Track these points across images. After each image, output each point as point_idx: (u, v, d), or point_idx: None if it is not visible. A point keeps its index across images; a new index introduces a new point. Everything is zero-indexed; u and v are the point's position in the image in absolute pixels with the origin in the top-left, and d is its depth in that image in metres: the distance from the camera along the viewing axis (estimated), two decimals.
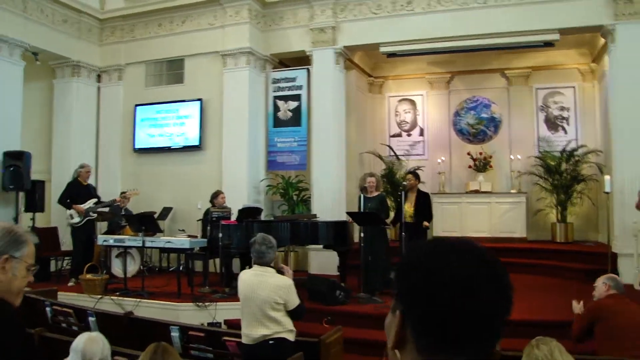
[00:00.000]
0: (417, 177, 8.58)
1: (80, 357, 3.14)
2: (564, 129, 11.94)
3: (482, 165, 12.05)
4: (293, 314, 4.44)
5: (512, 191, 11.69)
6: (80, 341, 3.21)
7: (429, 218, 8.14)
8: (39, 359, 4.52)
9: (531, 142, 12.03)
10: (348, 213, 8.18)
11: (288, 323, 4.41)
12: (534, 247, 10.58)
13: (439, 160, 12.29)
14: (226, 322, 7.13)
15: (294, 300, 4.41)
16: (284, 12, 10.79)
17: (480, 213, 11.51)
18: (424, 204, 8.04)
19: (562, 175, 11.15)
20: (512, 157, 11.92)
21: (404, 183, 8.08)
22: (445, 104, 12.80)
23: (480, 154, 12.12)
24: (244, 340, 4.46)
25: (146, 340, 5.27)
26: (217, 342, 4.88)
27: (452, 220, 11.61)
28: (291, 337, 4.44)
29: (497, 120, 12.38)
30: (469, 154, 12.22)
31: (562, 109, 11.96)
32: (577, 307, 4.71)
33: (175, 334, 5.09)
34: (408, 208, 7.84)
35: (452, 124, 12.70)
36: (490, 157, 12.08)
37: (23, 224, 9.78)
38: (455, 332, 0.96)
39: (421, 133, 12.95)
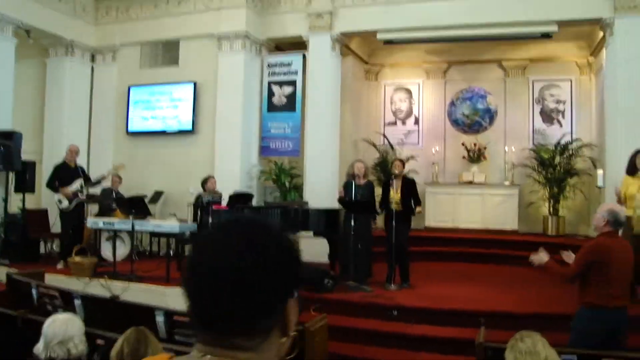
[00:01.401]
0: (403, 164, 8.51)
1: (43, 339, 3.13)
2: (559, 122, 11.91)
3: (476, 156, 12.01)
4: None
5: (505, 183, 11.67)
6: (46, 324, 3.20)
7: (417, 204, 8.04)
8: (22, 341, 4.48)
9: (526, 134, 12.01)
10: (340, 201, 8.11)
11: None
12: (525, 239, 10.56)
13: (434, 150, 12.24)
14: None
15: None
16: None
17: (473, 204, 11.49)
18: (410, 190, 7.95)
19: (556, 168, 11.15)
20: (506, 149, 11.88)
21: (395, 171, 8.02)
22: (441, 94, 12.73)
23: (475, 145, 12.07)
24: None
25: (132, 324, 5.24)
26: None
27: (445, 211, 11.60)
28: None
29: (492, 112, 12.34)
30: (463, 144, 12.17)
31: (558, 102, 11.92)
32: (568, 256, 4.61)
33: (160, 318, 5.05)
34: (394, 195, 7.78)
35: (447, 114, 12.65)
36: (485, 148, 12.04)
37: (13, 204, 9.70)
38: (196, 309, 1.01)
39: (416, 122, 12.89)
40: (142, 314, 5.20)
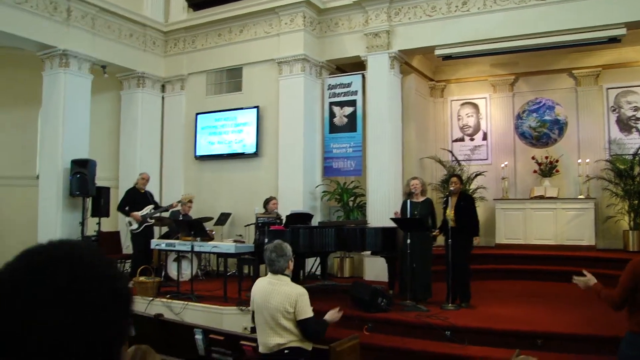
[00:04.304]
0: (461, 180, 8.25)
1: None
2: (638, 130, 11.18)
3: (547, 169, 11.49)
4: (302, 327, 4.25)
5: (579, 197, 11.08)
6: None
7: (476, 223, 7.72)
8: None
9: (601, 145, 11.35)
10: (392, 219, 7.98)
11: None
12: (603, 256, 9.97)
13: (503, 165, 11.84)
14: None
15: (304, 311, 4.24)
16: (338, 17, 10.79)
17: (546, 219, 10.98)
18: (464, 207, 7.62)
19: (635, 179, 10.46)
20: (580, 161, 11.28)
21: (451, 188, 7.79)
22: (509, 107, 12.33)
23: (546, 158, 11.56)
24: (260, 349, 4.39)
25: (174, 341, 5.40)
26: (235, 345, 4.91)
27: (516, 227, 11.17)
28: (308, 346, 4.34)
29: (561, 123, 11.77)
30: (533, 158, 11.68)
31: (637, 109, 11.22)
32: (578, 280, 4.16)
33: (199, 336, 5.17)
34: (449, 212, 7.55)
35: (514, 127, 12.20)
36: (557, 161, 11.50)
37: (89, 228, 10.29)
38: None
39: (484, 137, 12.54)
40: (183, 332, 5.35)
